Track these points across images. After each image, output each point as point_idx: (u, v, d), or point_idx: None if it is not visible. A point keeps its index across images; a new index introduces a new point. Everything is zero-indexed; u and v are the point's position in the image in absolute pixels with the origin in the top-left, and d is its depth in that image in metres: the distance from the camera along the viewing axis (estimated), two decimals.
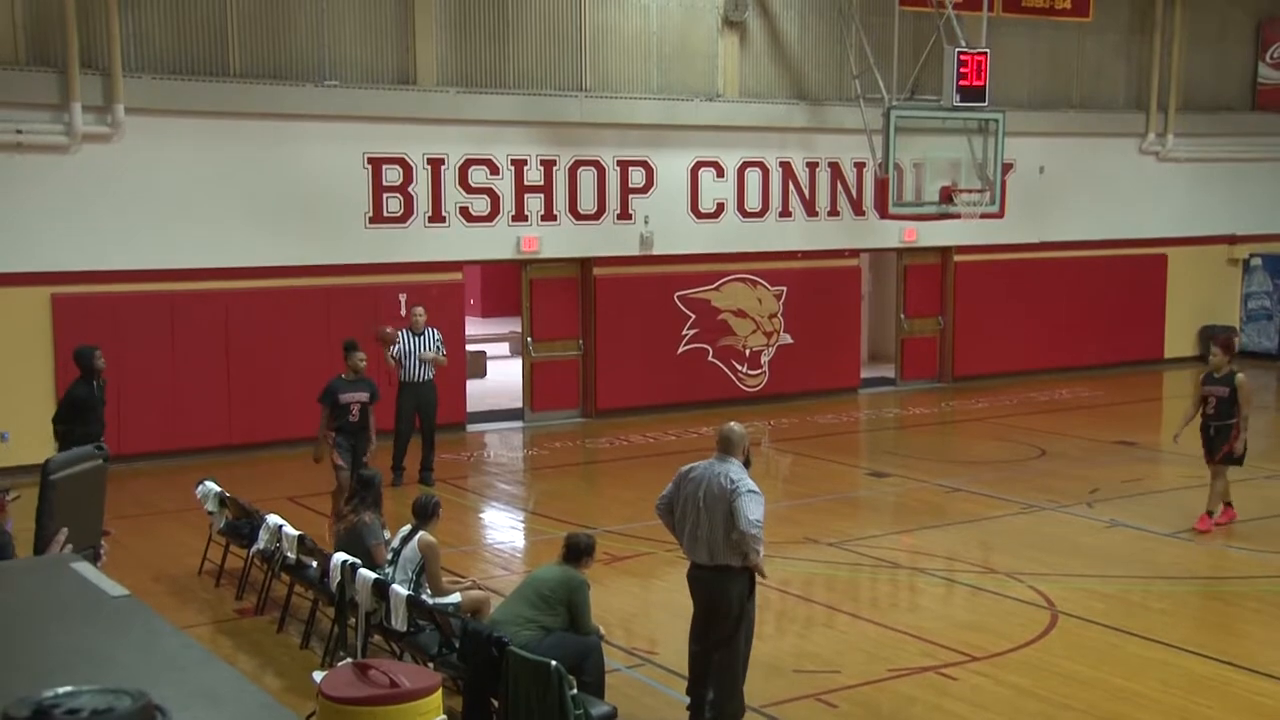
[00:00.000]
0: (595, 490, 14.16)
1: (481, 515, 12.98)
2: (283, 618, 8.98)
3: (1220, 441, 11.23)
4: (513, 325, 20.96)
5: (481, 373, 20.24)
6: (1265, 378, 20.89)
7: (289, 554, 8.89)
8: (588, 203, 16.98)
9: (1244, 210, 22.28)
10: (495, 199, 16.39)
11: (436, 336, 13.36)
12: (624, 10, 17.04)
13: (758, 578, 7.11)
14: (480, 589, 8.72)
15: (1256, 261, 22.46)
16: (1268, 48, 22.17)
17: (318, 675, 6.06)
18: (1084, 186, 20.67)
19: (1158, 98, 21.20)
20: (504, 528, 12.70)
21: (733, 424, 7.17)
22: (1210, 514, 11.39)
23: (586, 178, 16.95)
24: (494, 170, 16.35)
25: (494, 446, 16.15)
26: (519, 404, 17.34)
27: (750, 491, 6.78)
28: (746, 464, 7.07)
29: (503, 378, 19.67)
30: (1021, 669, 8.15)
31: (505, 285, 22.76)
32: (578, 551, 7.24)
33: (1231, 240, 22.39)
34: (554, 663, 6.06)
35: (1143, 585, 10.00)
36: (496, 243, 16.52)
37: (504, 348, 22.81)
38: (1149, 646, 8.56)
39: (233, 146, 14.74)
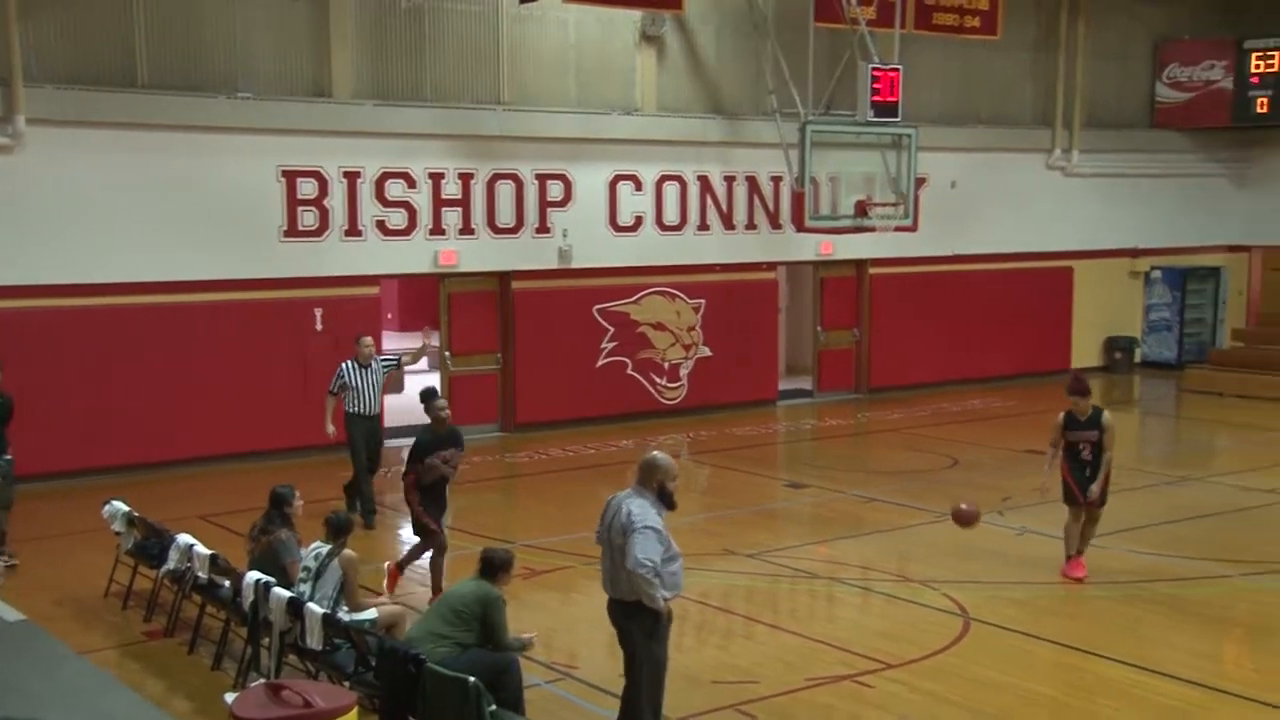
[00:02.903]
0: (514, 504, 14.10)
1: (399, 531, 12.84)
2: (194, 639, 8.81)
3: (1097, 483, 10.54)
4: (431, 339, 20.77)
5: (399, 387, 20.02)
6: (1165, 387, 21.51)
7: (200, 574, 8.73)
8: (506, 216, 16.94)
9: (1145, 224, 22.92)
10: (412, 212, 16.28)
11: (386, 364, 12.73)
12: (542, 24, 17.05)
13: (664, 618, 6.77)
14: (396, 605, 8.65)
15: (1157, 274, 23.11)
16: (1164, 68, 22.86)
17: (229, 697, 5.98)
18: (994, 200, 21.11)
19: (1063, 115, 21.74)
20: None
21: (655, 453, 6.98)
22: (1079, 554, 10.61)
23: (505, 191, 16.91)
24: (411, 184, 16.24)
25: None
26: None
27: (645, 528, 6.57)
28: (665, 495, 6.81)
29: None
30: (936, 675, 8.28)
31: (423, 299, 22.59)
32: (494, 566, 7.20)
33: (1134, 254, 23.02)
34: (472, 679, 6.02)
35: (1052, 590, 10.22)
36: (414, 256, 16.40)
37: (422, 362, 22.57)
38: (1058, 650, 8.75)
39: (142, 159, 14.46)
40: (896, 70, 16.62)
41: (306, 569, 7.97)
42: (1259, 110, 22.18)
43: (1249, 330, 22.59)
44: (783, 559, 11.04)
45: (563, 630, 9.47)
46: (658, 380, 18.29)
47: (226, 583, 8.56)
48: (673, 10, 17.45)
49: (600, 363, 17.74)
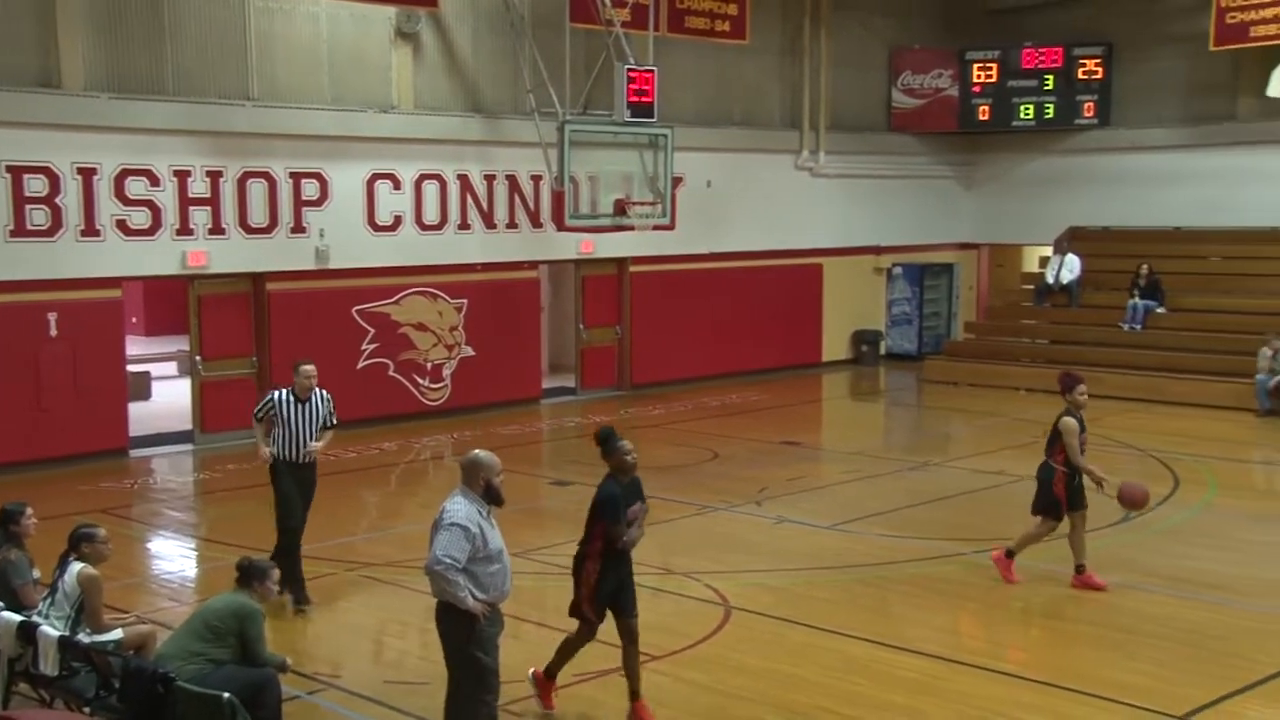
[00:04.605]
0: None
1: (148, 545, 12.24)
2: None
3: (1040, 489, 10.21)
4: (180, 344, 19.90)
5: (145, 394, 19.11)
6: (906, 378, 22.78)
7: None
8: (259, 215, 16.37)
9: (886, 223, 24.20)
10: (157, 211, 15.52)
11: (327, 400, 10.01)
12: (292, 18, 16.55)
13: (484, 621, 6.46)
14: (145, 623, 8.23)
15: (898, 271, 24.45)
16: (899, 75, 24.20)
17: None
18: (748, 200, 21.84)
19: (809, 118, 22.70)
20: (173, 557, 12.02)
21: (477, 451, 6.74)
22: (1079, 569, 10.15)
23: (257, 190, 16.34)
24: (154, 181, 15.48)
25: (162, 471, 15.29)
26: (188, 426, 16.49)
27: (451, 525, 6.37)
28: (492, 491, 6.58)
29: (170, 399, 18.64)
30: (698, 665, 8.52)
31: (171, 302, 21.58)
32: (251, 576, 6.96)
33: (877, 251, 24.27)
34: (227, 695, 5.82)
35: (807, 576, 10.67)
36: (159, 257, 15.64)
37: (171, 367, 21.62)
38: (812, 634, 9.15)
39: None
40: (651, 72, 16.97)
41: (49, 586, 7.49)
42: (981, 117, 23.78)
43: (979, 323, 24.17)
44: (549, 557, 11.10)
45: (326, 639, 9.24)
46: (420, 381, 18.07)
47: None
48: (427, 8, 17.30)
49: (361, 364, 17.38)
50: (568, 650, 7.76)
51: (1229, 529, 12.05)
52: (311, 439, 9.77)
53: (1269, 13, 20.15)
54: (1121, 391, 19.06)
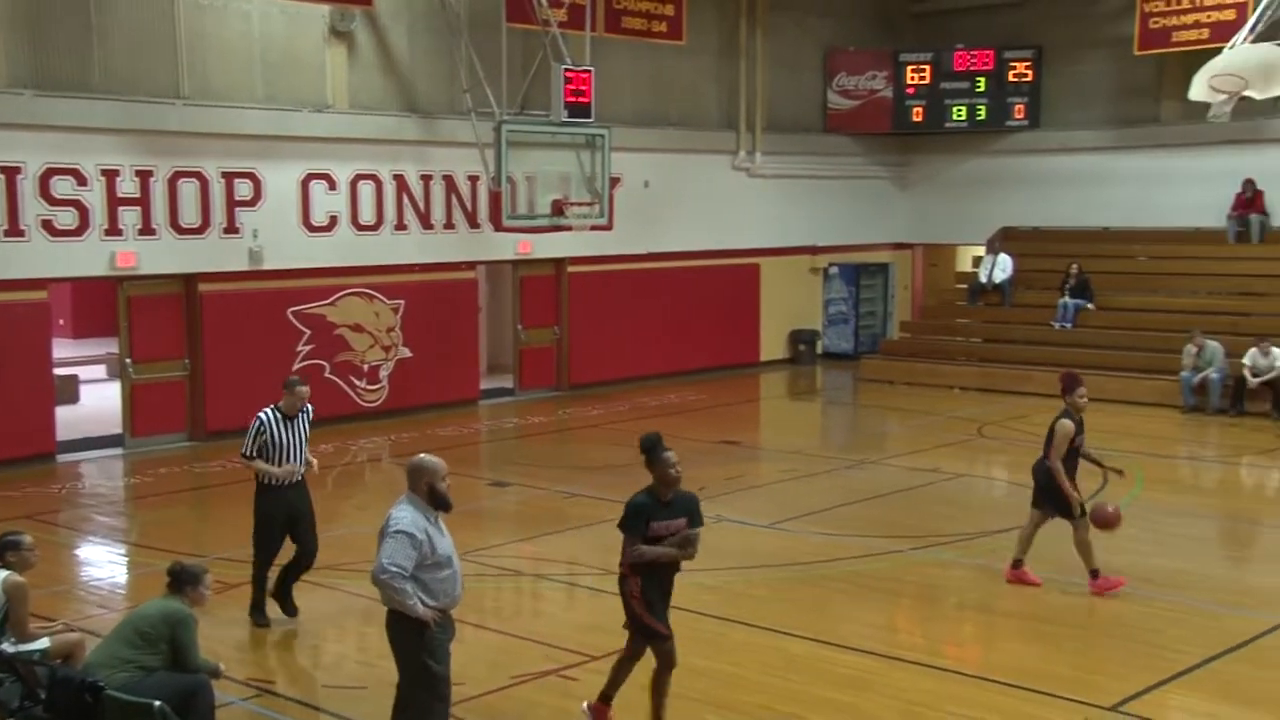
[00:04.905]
0: (206, 516, 13.47)
1: (76, 551, 12.01)
2: None
3: (1045, 490, 10.09)
4: (109, 346, 19.57)
5: (73, 398, 18.76)
6: (843, 377, 22.99)
7: None
8: (190, 216, 16.13)
9: (823, 223, 24.40)
10: (84, 212, 15.24)
11: (309, 414, 9.53)
12: (223, 15, 16.33)
13: (435, 628, 6.36)
14: (73, 631, 8.08)
15: (834, 270, 24.66)
16: (833, 76, 24.41)
17: None
18: (685, 200, 21.91)
19: (746, 118, 22.82)
20: (102, 563, 11.81)
21: (421, 455, 6.63)
22: (1094, 573, 10.04)
23: (188, 190, 16.10)
24: (81, 181, 15.20)
25: (91, 476, 15.00)
26: (118, 430, 16.21)
27: (396, 533, 6.28)
28: (437, 496, 6.45)
29: (99, 402, 18.31)
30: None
31: (100, 303, 21.21)
32: (183, 581, 6.86)
33: (813, 251, 24.46)
34: (157, 703, 5.74)
35: (745, 575, 10.73)
36: (87, 259, 15.36)
37: (100, 370, 21.23)
38: (752, 632, 9.20)
39: None
40: (588, 72, 16.98)
41: None
42: (915, 119, 24.05)
43: (914, 322, 24.45)
44: (488, 558, 11.07)
45: (260, 644, 9.13)
46: (357, 383, 17.91)
47: None
48: (362, 6, 17.15)
49: (296, 366, 17.17)
50: (656, 687, 7.33)
51: (1155, 523, 12.30)
52: (300, 456, 9.31)
53: (1189, 19, 20.64)
54: (1052, 389, 19.16)
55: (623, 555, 7.15)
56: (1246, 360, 18.18)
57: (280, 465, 9.22)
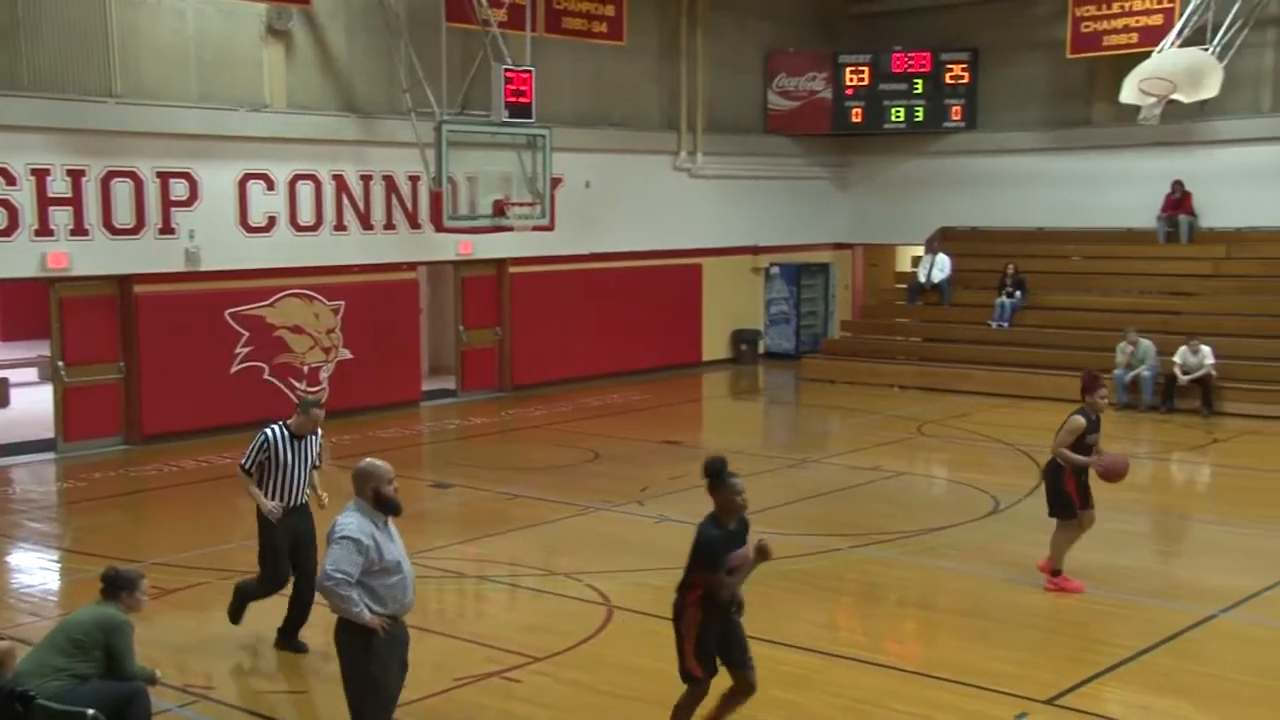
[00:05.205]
0: (142, 521, 13.27)
1: (7, 558, 11.77)
2: None
3: (1051, 490, 10.16)
4: (41, 349, 19.19)
5: (3, 401, 18.39)
6: (785, 376, 23.13)
7: None
8: (124, 216, 15.88)
9: (764, 223, 24.54)
10: (14, 212, 14.95)
11: (320, 439, 9.01)
12: (156, 12, 16.09)
13: (381, 635, 6.25)
14: (4, 639, 7.90)
15: (775, 270, 24.81)
16: (774, 77, 24.57)
17: None
18: (627, 201, 21.93)
19: (687, 119, 22.89)
20: (33, 569, 11.58)
21: (366, 459, 6.49)
22: (1057, 572, 10.08)
23: (122, 190, 15.85)
24: (10, 180, 14.91)
25: (22, 481, 14.72)
26: (50, 434, 15.92)
27: (342, 539, 6.19)
28: (383, 500, 6.34)
29: (31, 406, 17.95)
30: (581, 665, 8.53)
31: (32, 305, 20.81)
32: (117, 586, 6.75)
33: (754, 251, 24.60)
34: (91, 711, 5.64)
35: None
36: (17, 259, 15.07)
37: (32, 374, 20.80)
38: None
39: None
40: (529, 72, 16.95)
41: None
42: (854, 120, 24.27)
43: (854, 321, 24.67)
44: (430, 560, 11.01)
45: (198, 650, 9.00)
46: (297, 385, 17.72)
47: None
48: (299, 4, 16.98)
49: (235, 368, 16.98)
50: (680, 716, 7.06)
51: None
52: (303, 481, 8.77)
53: (1119, 23, 21.05)
54: (991, 388, 19.68)
55: (690, 586, 6.83)
56: (1177, 358, 18.55)
57: (281, 488, 8.70)
